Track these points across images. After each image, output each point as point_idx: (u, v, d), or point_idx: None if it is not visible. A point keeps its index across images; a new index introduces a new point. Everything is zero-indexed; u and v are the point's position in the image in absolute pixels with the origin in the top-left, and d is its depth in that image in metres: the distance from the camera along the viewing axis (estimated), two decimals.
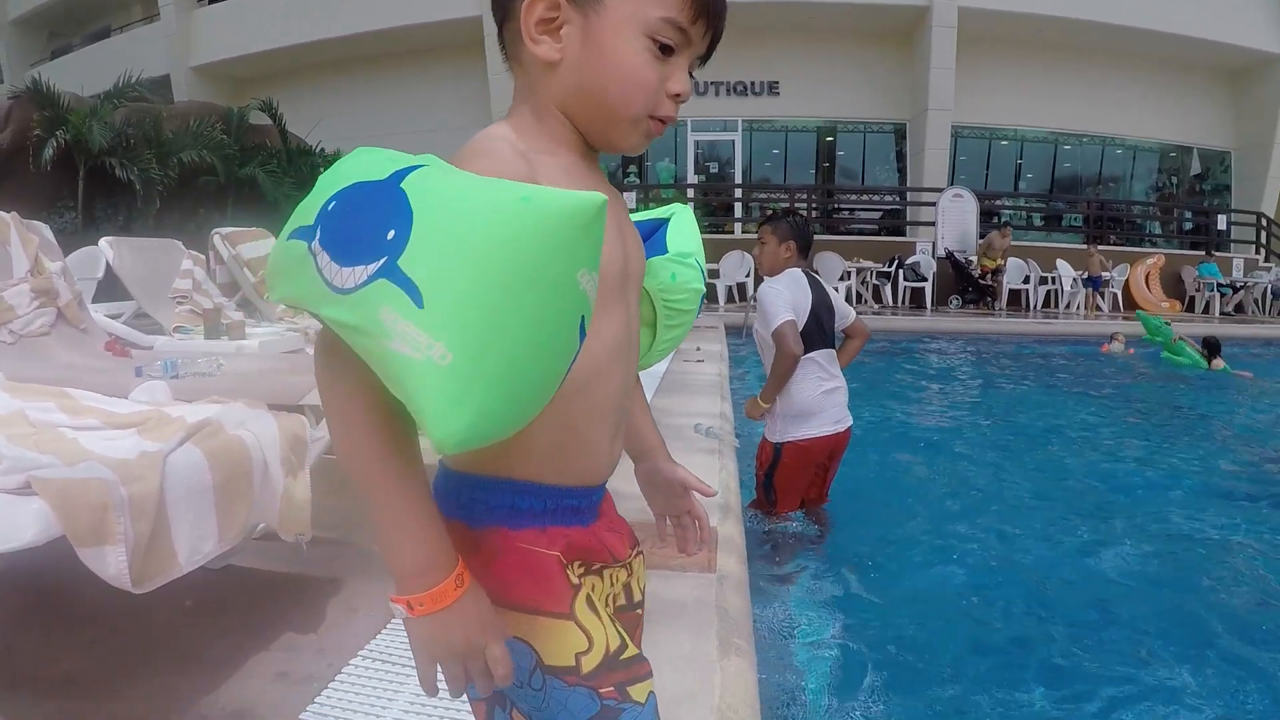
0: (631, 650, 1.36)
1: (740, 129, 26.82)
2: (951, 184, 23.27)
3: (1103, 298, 21.29)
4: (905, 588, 4.70)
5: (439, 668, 1.19)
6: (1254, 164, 27.10)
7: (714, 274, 19.47)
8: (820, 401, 5.20)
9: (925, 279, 20.67)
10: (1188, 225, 28.42)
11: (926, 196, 23.26)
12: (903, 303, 20.80)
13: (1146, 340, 14.26)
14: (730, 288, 19.38)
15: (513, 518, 1.33)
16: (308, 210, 1.07)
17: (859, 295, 20.24)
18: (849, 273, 19.89)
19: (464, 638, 1.17)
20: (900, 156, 26.73)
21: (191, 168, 16.21)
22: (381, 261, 0.98)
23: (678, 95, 1.33)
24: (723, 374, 8.55)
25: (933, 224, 21.99)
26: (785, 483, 5.31)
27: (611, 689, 1.32)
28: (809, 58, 25.24)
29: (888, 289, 20.85)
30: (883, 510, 5.87)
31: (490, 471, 1.34)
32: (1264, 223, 25.90)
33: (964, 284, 20.89)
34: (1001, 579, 4.84)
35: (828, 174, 28.23)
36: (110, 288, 6.63)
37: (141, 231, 14.29)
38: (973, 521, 5.72)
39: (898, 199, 26.26)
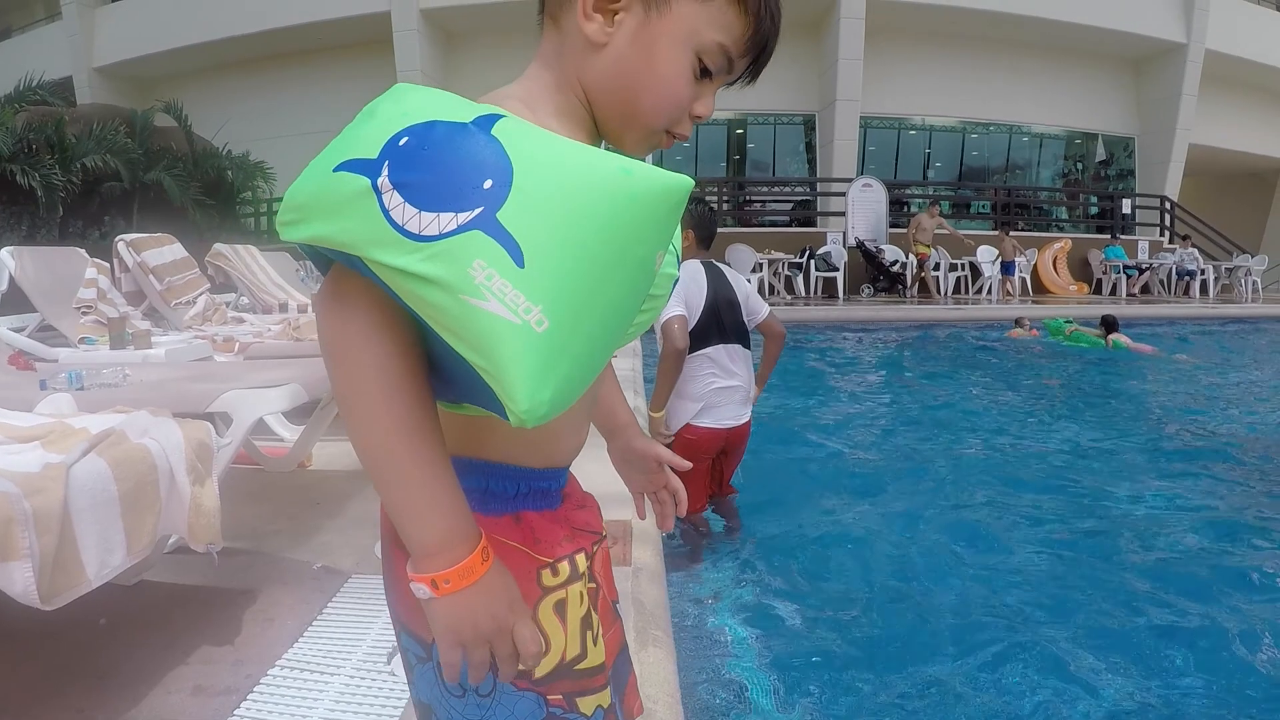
0: (592, 662, 1.31)
1: None
2: (861, 174, 23.49)
3: (1013, 283, 21.65)
4: (818, 574, 4.75)
5: (463, 653, 1.10)
6: (1157, 149, 27.78)
7: None
8: (711, 397, 5.07)
9: (837, 269, 20.85)
10: (1093, 210, 29.09)
11: (836, 187, 23.52)
12: (815, 293, 20.97)
13: (1050, 338, 14.66)
14: None
15: (485, 502, 1.26)
16: (364, 141, 0.99)
17: (771, 287, 20.36)
18: (761, 264, 20.00)
19: (491, 617, 1.09)
20: (810, 148, 26.99)
21: (95, 173, 15.92)
22: (477, 211, 0.93)
23: (699, 117, 1.28)
24: (636, 369, 8.56)
25: (843, 214, 22.24)
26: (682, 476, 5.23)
27: (559, 697, 1.28)
28: None
29: (799, 280, 21.00)
30: (793, 499, 5.89)
31: (462, 452, 1.25)
32: (1167, 206, 26.63)
33: (875, 273, 21.13)
34: (915, 560, 4.90)
35: (738, 166, 28.42)
36: (13, 300, 6.49)
37: (46, 240, 14.02)
38: (885, 506, 5.80)
39: (808, 190, 26.44)
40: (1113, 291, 23.06)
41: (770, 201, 27.88)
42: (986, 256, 21.53)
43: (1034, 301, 19.47)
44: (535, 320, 0.92)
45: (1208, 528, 5.41)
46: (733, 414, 5.15)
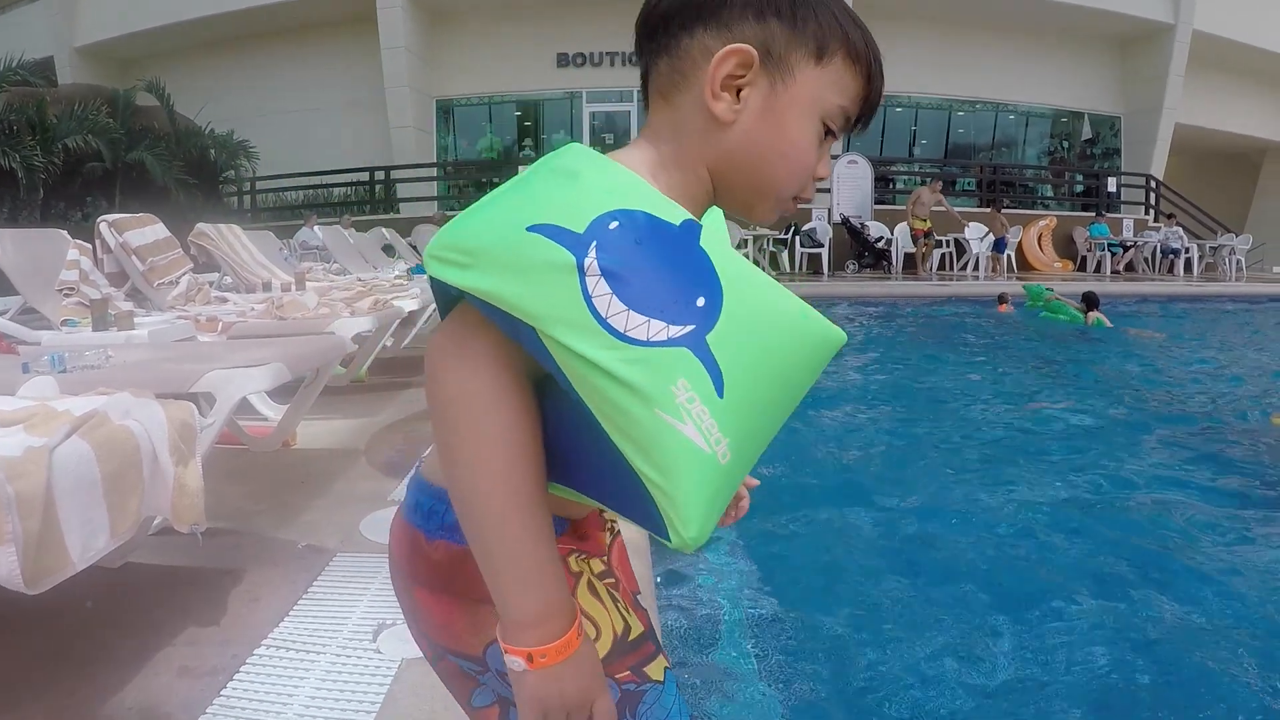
0: (637, 629, 1.29)
1: (636, 100, 26.80)
2: (846, 151, 23.48)
3: (1001, 260, 21.68)
4: (799, 543, 4.75)
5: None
6: (1143, 128, 27.89)
7: None
8: None
9: (822, 245, 20.91)
10: (1079, 188, 29.25)
11: None
12: (800, 269, 21.01)
13: (1029, 306, 14.73)
14: None
15: None
16: (564, 207, 0.96)
17: (756, 263, 20.28)
18: (746, 240, 20.02)
19: (579, 690, 1.07)
20: None
21: (77, 154, 15.82)
22: (689, 329, 0.93)
23: (821, 179, 1.25)
24: None
25: (828, 191, 22.21)
26: None
27: (628, 673, 1.26)
28: None
29: (785, 256, 21.02)
30: (776, 472, 5.90)
31: None
32: (1153, 184, 26.72)
33: (860, 249, 21.15)
34: (900, 531, 4.92)
35: None
36: None
37: (27, 222, 13.94)
38: (868, 480, 5.78)
39: None
40: (1097, 269, 23.13)
41: None
42: (974, 234, 21.55)
43: (1019, 279, 19.50)
44: (722, 452, 0.93)
45: (1193, 502, 5.46)
46: None
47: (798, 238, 21.03)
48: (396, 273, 10.75)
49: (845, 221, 21.21)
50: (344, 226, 15.14)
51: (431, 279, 1.01)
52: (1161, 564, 4.54)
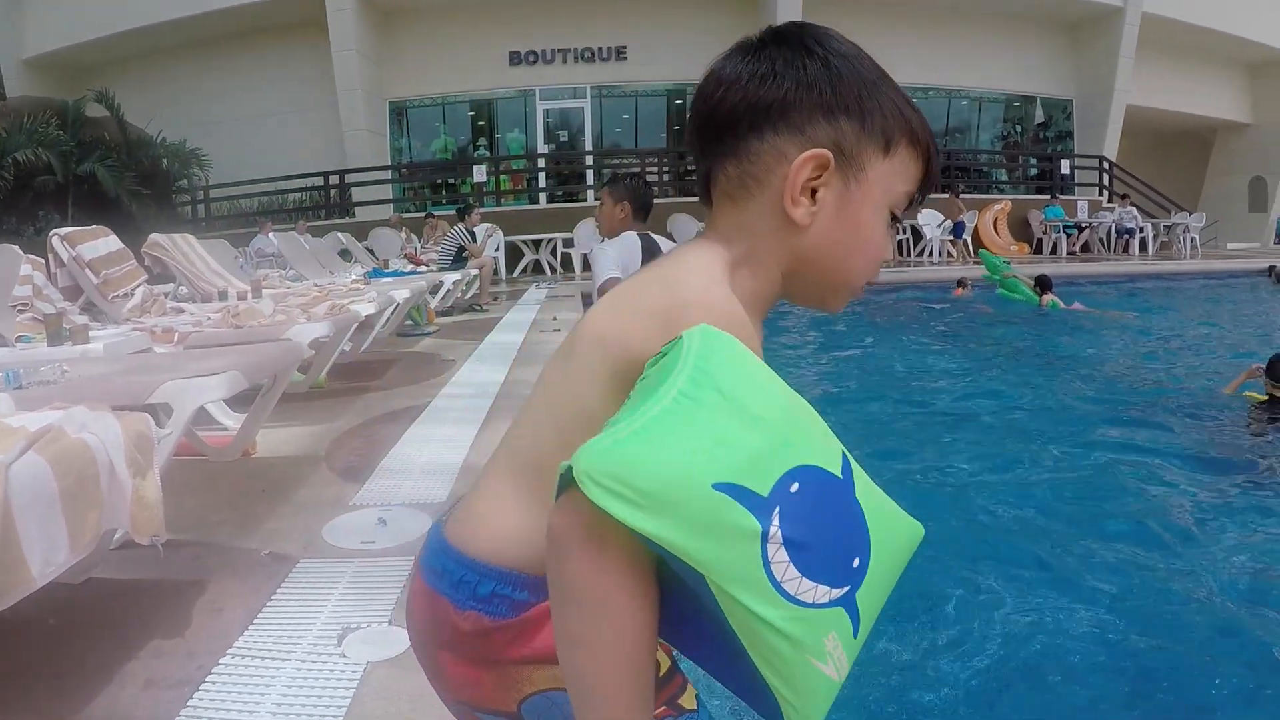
0: (665, 665, 1.29)
1: (590, 96, 26.83)
2: None
3: (955, 244, 21.81)
4: None
5: None
6: (1095, 111, 28.12)
7: (569, 243, 19.79)
8: None
9: None
10: (1033, 171, 29.42)
11: None
12: None
13: (985, 280, 14.81)
14: (585, 256, 19.30)
15: (524, 611, 1.21)
16: (749, 466, 0.94)
17: None
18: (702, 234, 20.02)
19: None
20: None
21: (27, 168, 15.67)
22: (845, 590, 0.97)
23: (887, 261, 1.32)
24: None
25: None
26: None
27: (664, 708, 1.27)
28: (656, 21, 25.32)
29: None
30: None
31: (514, 565, 1.22)
32: (1106, 166, 27.00)
33: None
34: None
35: (679, 137, 28.33)
36: None
37: None
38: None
39: None
40: (1053, 251, 23.36)
41: None
42: (929, 220, 21.66)
43: (975, 262, 19.64)
44: (844, 676, 0.98)
45: (1151, 477, 5.56)
46: None
47: None
48: (353, 277, 10.72)
49: None
50: (299, 232, 15.09)
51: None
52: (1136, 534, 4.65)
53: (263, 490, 4.36)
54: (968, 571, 4.26)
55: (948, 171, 27.20)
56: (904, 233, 21.88)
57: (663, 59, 25.61)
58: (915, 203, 1.30)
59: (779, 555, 0.92)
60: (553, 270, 21.34)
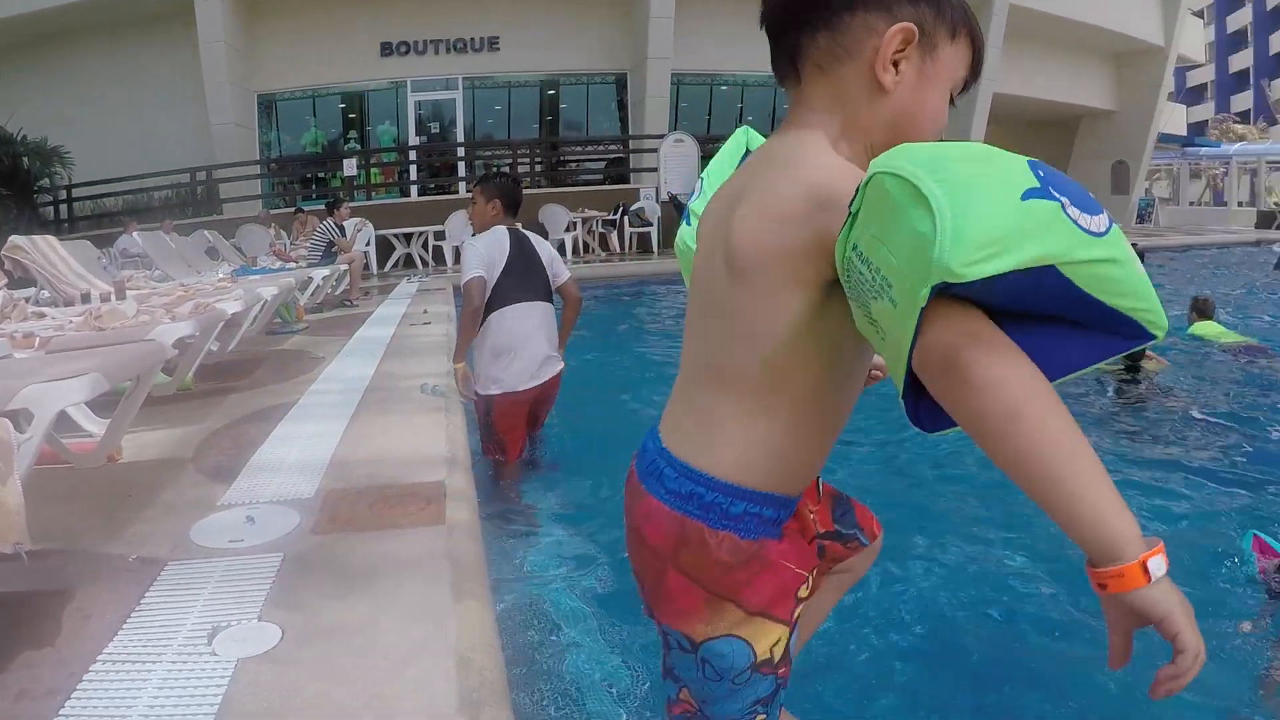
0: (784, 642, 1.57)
1: (461, 87, 26.64)
2: (673, 130, 23.72)
3: None
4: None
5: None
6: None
7: (440, 236, 19.70)
8: (519, 350, 5.43)
9: (651, 224, 21.11)
10: None
11: (649, 143, 23.82)
12: (630, 249, 21.20)
13: None
14: (457, 248, 19.22)
15: (773, 528, 1.49)
16: (1021, 172, 1.13)
17: (586, 245, 20.60)
18: (575, 223, 20.14)
19: (1179, 595, 1.14)
20: (622, 106, 27.15)
21: None
22: (1107, 212, 1.16)
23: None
24: (450, 334, 8.62)
25: (656, 170, 22.49)
26: (504, 427, 5.52)
27: (785, 670, 1.55)
28: (527, 12, 25.26)
29: (614, 237, 21.19)
30: (610, 446, 5.95)
31: (762, 485, 1.46)
32: None
33: None
34: None
35: (552, 127, 28.39)
36: None
37: None
38: None
39: (621, 148, 26.76)
40: None
41: (584, 160, 28.05)
42: None
43: None
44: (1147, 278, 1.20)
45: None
46: (537, 370, 5.51)
47: (626, 218, 21.18)
48: (220, 275, 10.54)
49: (673, 199, 21.39)
50: (165, 231, 14.76)
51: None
52: None
53: (128, 495, 4.29)
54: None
55: None
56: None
57: (535, 50, 25.64)
58: (966, 87, 1.55)
59: (1075, 212, 1.12)
60: (424, 264, 21.15)
